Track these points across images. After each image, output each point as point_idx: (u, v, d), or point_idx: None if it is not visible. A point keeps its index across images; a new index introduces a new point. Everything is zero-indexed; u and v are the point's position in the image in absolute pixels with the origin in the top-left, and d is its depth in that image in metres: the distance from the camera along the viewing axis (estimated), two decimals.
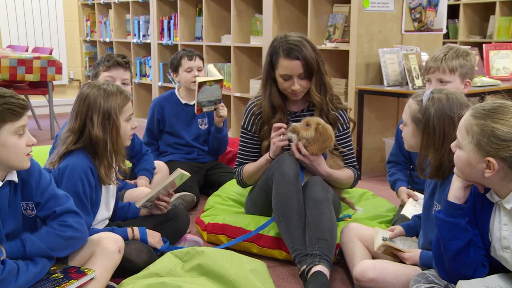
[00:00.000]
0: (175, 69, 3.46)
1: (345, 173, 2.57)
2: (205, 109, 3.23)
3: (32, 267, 1.71)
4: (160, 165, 3.17)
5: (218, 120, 3.33)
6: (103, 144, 2.07)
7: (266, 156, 2.52)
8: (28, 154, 1.73)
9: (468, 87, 2.58)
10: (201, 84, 3.11)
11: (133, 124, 2.18)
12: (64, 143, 2.09)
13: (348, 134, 2.63)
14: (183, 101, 3.43)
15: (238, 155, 2.70)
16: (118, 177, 2.21)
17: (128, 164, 2.97)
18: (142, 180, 2.90)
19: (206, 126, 3.47)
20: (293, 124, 2.43)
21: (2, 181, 1.71)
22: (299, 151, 2.40)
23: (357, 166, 2.67)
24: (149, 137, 3.47)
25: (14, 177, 1.75)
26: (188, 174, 2.39)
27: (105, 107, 2.07)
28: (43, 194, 1.81)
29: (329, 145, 2.44)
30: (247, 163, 2.65)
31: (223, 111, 3.29)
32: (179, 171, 2.35)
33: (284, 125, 2.44)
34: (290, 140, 2.43)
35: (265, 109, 2.56)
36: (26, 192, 1.79)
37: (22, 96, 1.73)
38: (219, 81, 3.19)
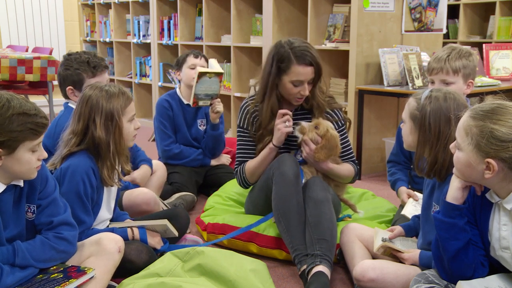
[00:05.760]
0: (179, 67, 3.46)
1: (345, 167, 2.60)
2: (201, 103, 3.22)
3: (19, 272, 1.71)
4: (158, 165, 3.16)
5: (214, 116, 3.32)
6: (106, 145, 2.06)
7: (269, 146, 2.53)
8: (37, 167, 1.74)
9: (470, 87, 2.58)
10: (200, 75, 3.11)
11: (136, 125, 2.18)
12: (67, 145, 2.09)
13: (344, 131, 2.65)
14: (185, 102, 3.42)
15: (237, 155, 2.70)
16: (121, 179, 2.21)
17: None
18: (141, 169, 2.87)
19: (205, 127, 3.47)
20: (302, 123, 2.45)
21: (6, 185, 1.72)
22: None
23: (356, 161, 2.70)
24: (167, 132, 3.38)
25: (19, 181, 1.75)
26: (173, 232, 2.31)
27: (107, 108, 2.06)
28: (46, 198, 1.82)
29: (336, 153, 2.51)
30: (247, 161, 2.66)
31: (219, 106, 3.28)
32: (165, 224, 2.25)
33: (289, 112, 2.46)
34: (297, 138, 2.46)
35: (266, 116, 2.54)
36: (30, 195, 1.80)
37: (45, 113, 1.72)
38: (219, 75, 3.18)
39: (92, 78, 2.59)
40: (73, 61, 2.60)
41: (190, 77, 3.37)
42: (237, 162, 2.70)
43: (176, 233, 2.30)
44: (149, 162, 2.98)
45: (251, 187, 2.71)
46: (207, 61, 3.47)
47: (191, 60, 3.40)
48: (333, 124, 2.58)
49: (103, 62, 2.65)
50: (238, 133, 2.69)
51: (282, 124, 2.45)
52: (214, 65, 3.30)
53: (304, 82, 2.47)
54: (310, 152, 2.46)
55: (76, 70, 2.58)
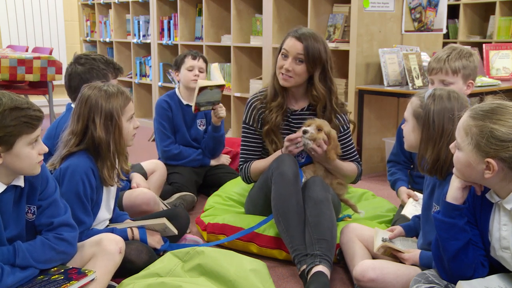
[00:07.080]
0: (178, 67, 3.45)
1: (348, 165, 2.65)
2: (202, 109, 3.22)
3: (19, 272, 1.72)
4: (158, 165, 3.16)
5: (216, 120, 3.32)
6: (106, 145, 2.06)
7: (278, 154, 2.53)
8: (39, 161, 1.74)
9: (470, 88, 2.58)
10: (201, 89, 3.10)
11: (135, 124, 2.18)
12: (66, 146, 2.09)
13: (349, 134, 2.69)
14: (185, 102, 3.42)
15: (241, 152, 2.70)
16: (122, 178, 2.21)
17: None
18: (136, 178, 2.83)
19: (205, 127, 3.47)
20: (309, 131, 2.46)
21: (7, 185, 1.72)
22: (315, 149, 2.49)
23: (361, 162, 2.74)
24: (166, 133, 3.38)
25: (20, 182, 1.75)
26: (173, 230, 2.32)
27: (107, 108, 2.06)
28: (47, 199, 1.83)
29: (339, 150, 2.57)
30: (252, 158, 2.66)
31: (222, 112, 3.29)
32: (163, 222, 2.26)
33: (300, 135, 2.48)
34: (305, 145, 2.48)
35: (270, 90, 2.61)
36: (31, 195, 1.80)
37: (38, 107, 1.74)
38: (220, 86, 3.18)
39: (113, 79, 2.66)
40: (98, 61, 2.63)
41: (188, 79, 3.37)
42: (242, 159, 2.70)
43: (175, 231, 2.30)
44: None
45: (251, 186, 2.72)
46: (205, 61, 3.46)
47: (189, 61, 3.39)
48: (340, 128, 2.61)
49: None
50: (243, 130, 2.69)
51: (293, 146, 2.48)
52: (215, 73, 3.28)
53: (289, 56, 2.50)
54: (323, 153, 2.48)
55: (103, 70, 2.62)
